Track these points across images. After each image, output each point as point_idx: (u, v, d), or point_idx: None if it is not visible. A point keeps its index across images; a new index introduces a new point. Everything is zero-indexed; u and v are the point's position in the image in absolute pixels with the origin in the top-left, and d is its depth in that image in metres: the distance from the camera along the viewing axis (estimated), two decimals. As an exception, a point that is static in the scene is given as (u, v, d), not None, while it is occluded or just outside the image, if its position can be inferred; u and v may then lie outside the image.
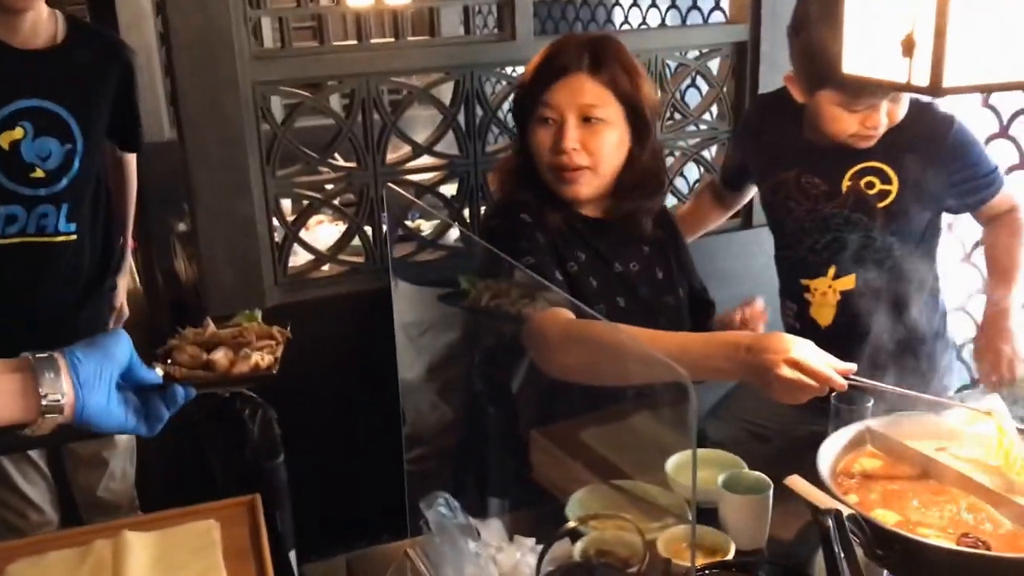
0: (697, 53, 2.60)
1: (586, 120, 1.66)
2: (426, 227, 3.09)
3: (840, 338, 1.89)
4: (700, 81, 2.91)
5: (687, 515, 1.49)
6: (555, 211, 1.70)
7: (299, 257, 2.42)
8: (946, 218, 2.04)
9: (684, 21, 3.66)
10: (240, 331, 1.23)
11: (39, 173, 2.06)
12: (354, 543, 2.17)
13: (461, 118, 2.34)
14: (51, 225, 2.10)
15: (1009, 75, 1.01)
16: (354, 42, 2.20)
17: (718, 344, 1.39)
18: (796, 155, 1.95)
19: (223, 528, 1.29)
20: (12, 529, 2.26)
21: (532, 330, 1.52)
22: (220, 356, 1.16)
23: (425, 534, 1.40)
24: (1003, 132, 2.51)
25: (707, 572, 1.26)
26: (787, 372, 1.31)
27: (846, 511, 1.15)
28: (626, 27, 4.12)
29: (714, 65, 2.66)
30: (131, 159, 2.47)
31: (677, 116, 2.64)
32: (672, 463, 1.60)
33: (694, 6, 3.56)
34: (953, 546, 1.18)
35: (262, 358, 1.16)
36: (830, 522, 1.04)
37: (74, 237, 2.17)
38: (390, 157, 2.33)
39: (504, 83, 2.49)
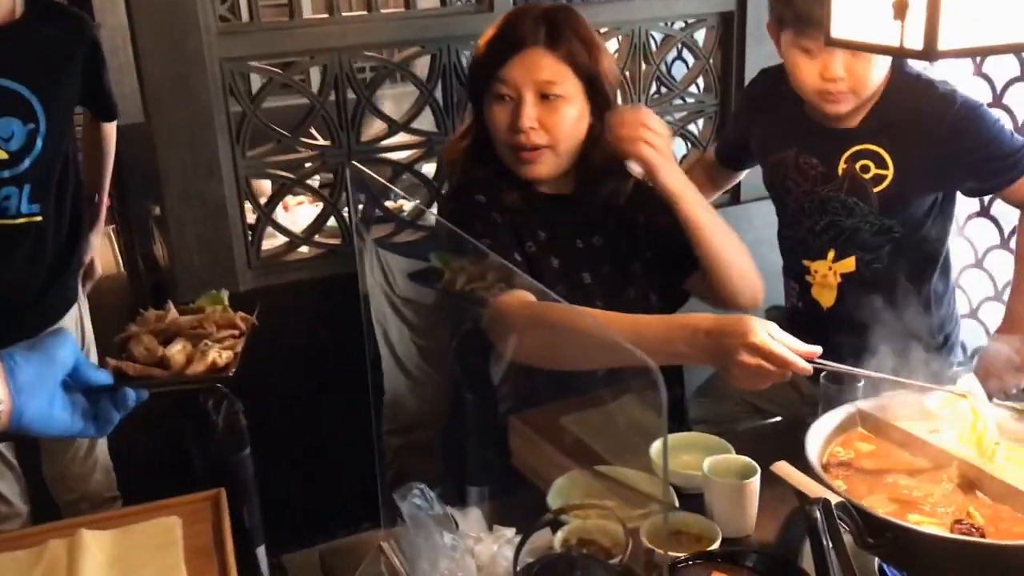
0: (683, 24, 2.53)
1: (544, 97, 1.60)
2: (408, 206, 3.04)
3: (842, 320, 1.87)
4: (687, 54, 2.85)
5: (674, 501, 1.46)
6: (513, 190, 1.65)
7: (277, 239, 2.35)
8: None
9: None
10: (200, 320, 1.17)
11: (1, 155, 2.00)
12: (335, 532, 2.13)
13: (439, 94, 2.27)
14: (13, 207, 2.05)
15: (1005, 38, 0.95)
16: (325, 15, 2.12)
17: (678, 327, 1.33)
18: (796, 133, 1.90)
19: (186, 525, 1.23)
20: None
21: (492, 314, 1.47)
22: (176, 351, 1.10)
23: (400, 526, 1.36)
24: (997, 101, 2.46)
25: (691, 563, 1.22)
26: (747, 357, 1.25)
27: (835, 499, 1.10)
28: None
29: (701, 37, 2.60)
30: (109, 127, 2.45)
31: (663, 90, 2.58)
32: (656, 447, 1.55)
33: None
34: (946, 533, 1.14)
35: (220, 355, 1.10)
36: (817, 513, 0.99)
37: (39, 219, 2.12)
38: (366, 134, 2.27)
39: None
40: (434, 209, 2.43)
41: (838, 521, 1.08)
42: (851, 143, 1.83)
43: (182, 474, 1.41)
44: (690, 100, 2.61)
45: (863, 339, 1.76)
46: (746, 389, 1.32)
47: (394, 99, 3.44)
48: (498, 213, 1.62)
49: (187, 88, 1.97)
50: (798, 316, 1.99)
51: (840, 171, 1.84)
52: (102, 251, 2.67)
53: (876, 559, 1.22)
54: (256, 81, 2.35)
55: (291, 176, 2.20)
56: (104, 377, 1.05)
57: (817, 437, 1.34)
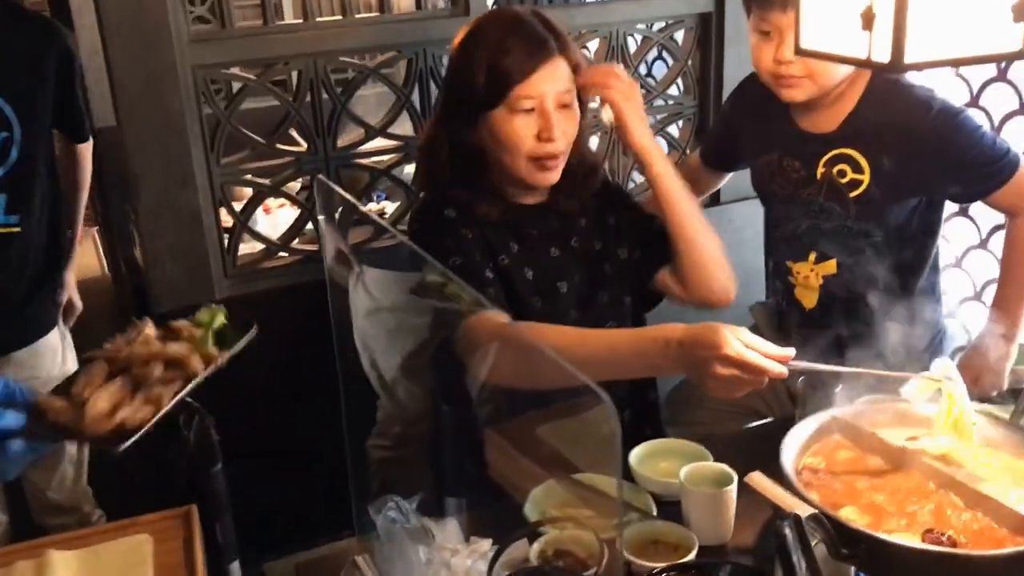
0: (662, 25, 2.52)
1: (562, 106, 1.59)
2: (391, 208, 3.03)
3: (824, 321, 1.88)
4: (668, 55, 2.84)
5: (652, 509, 1.45)
6: (488, 202, 1.64)
7: (254, 245, 2.33)
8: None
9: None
10: (157, 353, 1.09)
11: None
12: (315, 540, 2.12)
13: (416, 98, 2.26)
14: None
15: (972, 49, 0.95)
16: (300, 21, 2.10)
17: (650, 341, 1.33)
18: (781, 137, 1.91)
19: (157, 542, 1.22)
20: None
21: (462, 336, 1.47)
22: (101, 400, 1.02)
23: (375, 539, 1.35)
24: (973, 102, 2.46)
25: (665, 575, 1.21)
26: (721, 368, 1.24)
27: (808, 510, 1.10)
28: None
29: (680, 38, 2.59)
30: (83, 149, 2.39)
31: (643, 92, 2.57)
32: (635, 455, 1.55)
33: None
34: (918, 544, 1.13)
35: (139, 409, 1.04)
36: (787, 530, 0.98)
37: (16, 229, 2.09)
38: (344, 138, 2.25)
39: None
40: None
41: (812, 533, 1.08)
42: (829, 147, 1.83)
43: (161, 489, 1.40)
44: (670, 102, 2.60)
45: (845, 341, 1.77)
46: (722, 398, 1.31)
47: (376, 98, 3.42)
48: (468, 228, 1.60)
49: (159, 95, 1.95)
50: (784, 315, 2.01)
51: (819, 175, 1.85)
52: (86, 251, 2.63)
53: (852, 569, 1.22)
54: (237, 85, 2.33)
55: (266, 183, 2.18)
56: (12, 422, 0.96)
57: (792, 445, 1.34)
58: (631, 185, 2.59)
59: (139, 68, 1.92)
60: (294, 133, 2.27)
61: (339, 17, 2.17)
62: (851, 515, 1.22)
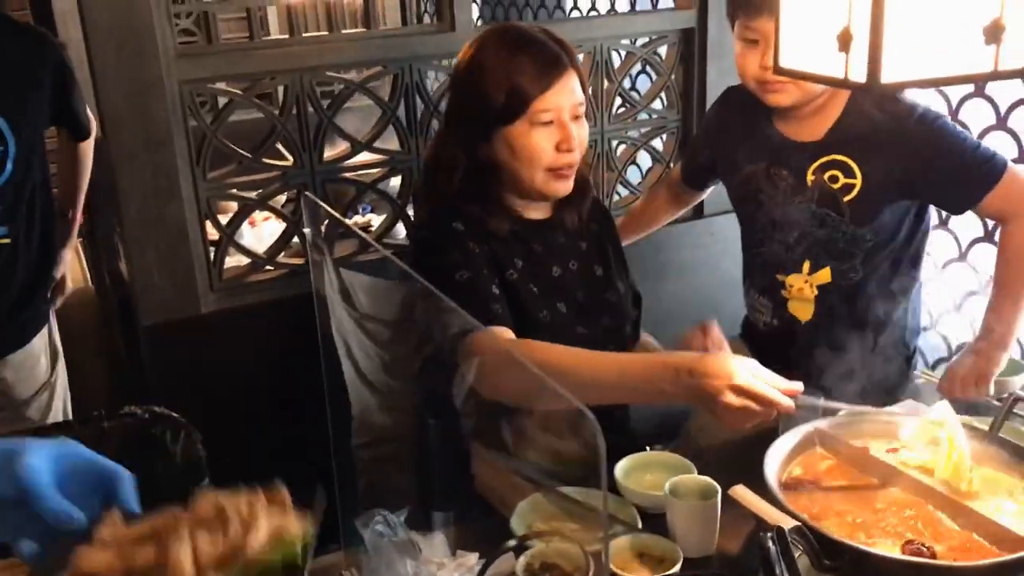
0: (646, 40, 2.55)
1: (575, 117, 1.64)
2: (377, 221, 3.03)
3: (819, 334, 1.88)
4: (651, 69, 2.86)
5: (637, 522, 1.46)
6: (502, 218, 1.66)
7: (240, 259, 2.33)
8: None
9: (633, 7, 3.61)
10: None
11: None
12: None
13: (402, 113, 2.27)
14: None
15: (947, 70, 0.97)
16: (286, 36, 2.11)
17: (661, 367, 1.34)
18: (766, 147, 1.92)
19: (144, 559, 1.22)
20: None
21: (465, 351, 1.48)
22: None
23: (362, 552, 1.35)
24: (952, 116, 2.49)
25: (651, 588, 1.22)
26: (731, 398, 1.26)
27: (791, 523, 1.12)
28: (575, 13, 4.06)
29: (664, 53, 2.62)
30: (85, 145, 2.46)
31: (626, 106, 2.59)
32: (621, 468, 1.56)
33: (642, -9, 3.52)
34: (899, 555, 1.15)
35: None
36: (770, 544, 0.99)
37: (7, 240, 2.10)
38: (331, 152, 2.26)
39: (445, 76, 2.42)
40: (399, 228, 2.43)
41: (795, 545, 1.09)
42: (819, 154, 1.84)
43: (149, 506, 1.40)
44: (653, 116, 2.62)
45: (839, 353, 1.79)
46: (731, 428, 1.32)
47: (363, 110, 3.43)
48: (476, 243, 1.61)
49: (145, 110, 1.95)
50: (772, 334, 1.98)
51: (809, 182, 1.85)
52: (71, 265, 2.65)
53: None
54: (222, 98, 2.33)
55: (252, 197, 2.18)
56: (69, 513, 0.80)
57: (775, 458, 1.36)
58: (615, 198, 2.61)
59: (125, 82, 1.92)
60: (280, 147, 2.27)
61: (325, 32, 2.19)
62: (833, 527, 1.23)
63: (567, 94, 1.60)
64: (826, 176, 1.84)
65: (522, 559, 1.30)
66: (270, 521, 0.90)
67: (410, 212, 2.34)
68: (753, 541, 1.43)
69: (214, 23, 2.02)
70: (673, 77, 2.58)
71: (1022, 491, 1.30)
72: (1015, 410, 1.43)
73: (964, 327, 2.57)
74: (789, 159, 1.88)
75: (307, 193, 1.36)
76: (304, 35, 2.14)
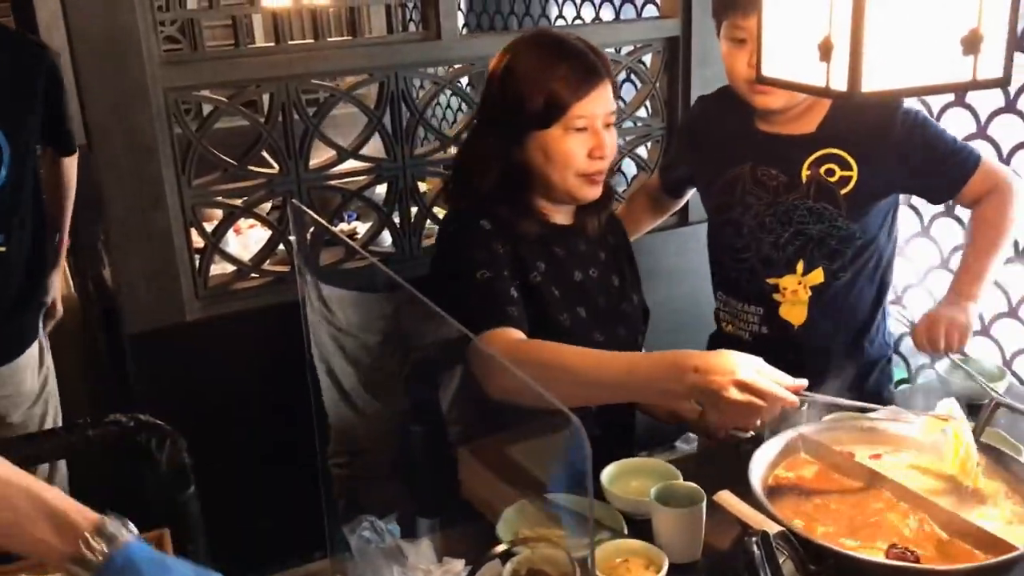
0: (631, 48, 2.56)
1: (606, 125, 1.67)
2: (362, 228, 3.03)
3: (813, 336, 1.88)
4: (636, 77, 2.88)
5: (623, 528, 1.47)
6: (531, 220, 1.69)
7: (225, 267, 2.33)
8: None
9: (618, 16, 3.63)
10: None
11: None
12: (288, 561, 2.11)
13: (387, 120, 2.27)
14: None
15: (927, 79, 0.98)
16: (271, 44, 2.11)
17: (667, 366, 1.35)
18: (749, 148, 1.91)
19: (129, 567, 1.21)
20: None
21: (474, 349, 1.49)
22: None
23: (348, 559, 1.35)
24: (933, 124, 2.52)
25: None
26: (736, 394, 1.28)
27: (776, 528, 1.13)
28: (560, 22, 4.07)
29: (648, 61, 2.63)
30: (69, 162, 2.43)
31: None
32: (607, 474, 1.57)
33: (627, 0, 3.53)
34: (883, 560, 1.16)
35: None
36: (755, 548, 1.00)
37: (2, 249, 2.09)
38: (317, 159, 2.26)
39: (431, 84, 2.43)
40: (385, 235, 2.43)
41: (780, 550, 1.10)
42: (814, 148, 1.85)
43: (136, 513, 1.40)
44: (638, 123, 2.64)
45: (831, 355, 1.80)
46: (736, 425, 1.33)
47: (350, 117, 3.43)
48: (501, 243, 1.63)
49: (130, 117, 1.95)
50: (762, 343, 1.93)
51: (804, 177, 1.85)
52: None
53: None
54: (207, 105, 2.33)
55: (238, 205, 2.18)
56: None
57: (760, 463, 1.37)
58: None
59: (110, 89, 1.92)
60: (266, 155, 2.27)
61: (311, 40, 2.19)
62: (818, 532, 1.24)
63: (602, 103, 1.64)
64: (822, 170, 1.84)
65: (508, 565, 1.31)
66: None
67: (395, 219, 2.34)
68: (739, 546, 1.44)
69: (199, 31, 2.02)
70: (658, 85, 2.59)
71: (1003, 496, 1.31)
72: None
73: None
74: (779, 156, 1.87)
75: (293, 200, 1.36)
76: (290, 43, 2.14)
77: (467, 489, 1.62)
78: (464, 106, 2.65)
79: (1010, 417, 1.55)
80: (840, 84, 0.98)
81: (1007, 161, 2.28)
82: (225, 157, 2.13)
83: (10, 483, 0.88)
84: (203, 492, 1.43)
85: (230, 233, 3.04)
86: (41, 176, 2.28)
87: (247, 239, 3.20)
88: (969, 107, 2.36)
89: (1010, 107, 2.26)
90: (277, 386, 2.02)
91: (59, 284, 2.47)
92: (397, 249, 2.37)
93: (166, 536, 1.25)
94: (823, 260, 1.87)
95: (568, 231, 1.76)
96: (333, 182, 2.28)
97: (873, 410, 1.52)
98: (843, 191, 1.83)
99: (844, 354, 1.89)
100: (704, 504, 1.40)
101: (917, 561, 1.16)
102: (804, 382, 1.33)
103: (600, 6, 3.75)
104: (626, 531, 1.46)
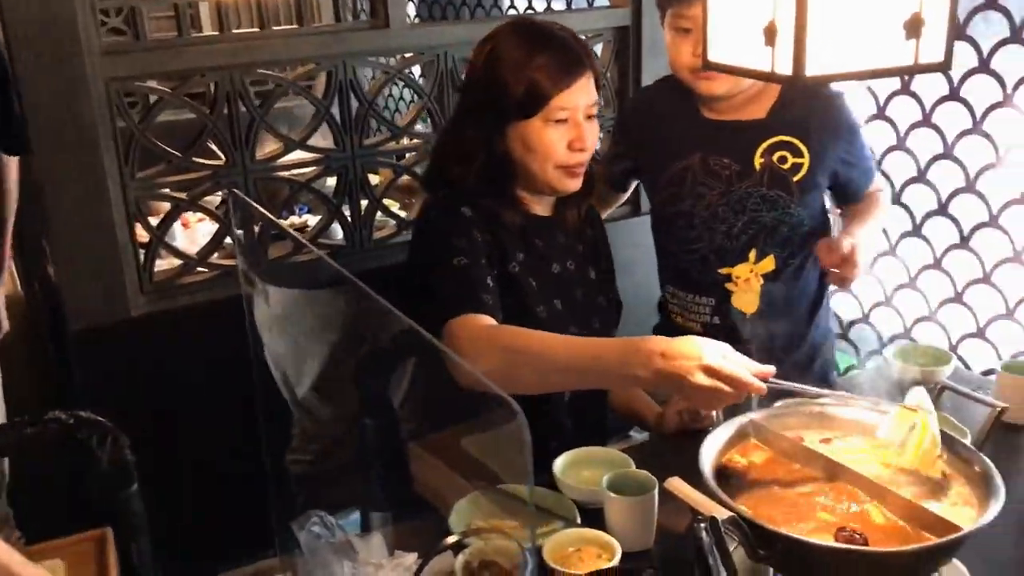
0: (582, 38, 2.55)
1: (588, 117, 1.66)
2: (314, 221, 2.99)
3: (764, 324, 1.89)
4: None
5: (576, 517, 1.46)
6: (514, 210, 1.69)
7: (172, 261, 2.28)
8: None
9: (569, 6, 3.62)
10: None
11: None
12: (239, 559, 2.08)
13: (336, 110, 2.24)
14: None
15: (871, 63, 0.98)
16: (216, 32, 2.07)
17: (634, 351, 1.34)
18: (698, 137, 1.90)
19: (70, 567, 1.19)
20: None
21: (444, 336, 1.48)
22: None
23: (298, 555, 1.33)
24: (880, 114, 2.55)
25: (587, 583, 1.22)
26: (702, 379, 1.28)
27: (725, 514, 1.12)
28: (512, 12, 4.06)
29: (599, 51, 2.63)
30: (12, 163, 2.34)
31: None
32: (559, 464, 1.56)
33: (579, -11, 3.53)
34: (831, 543, 1.17)
35: None
36: (703, 534, 1.00)
37: None
38: (265, 150, 2.23)
39: (380, 73, 2.40)
40: (336, 228, 2.41)
41: (729, 535, 1.10)
42: (766, 135, 1.85)
43: (82, 512, 1.37)
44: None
45: (779, 341, 1.81)
46: (702, 409, 1.33)
47: (301, 108, 3.38)
48: (481, 231, 1.62)
49: (71, 110, 1.90)
50: (712, 333, 1.89)
51: (757, 165, 1.85)
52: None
53: (771, 570, 1.25)
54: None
55: (183, 197, 2.14)
56: None
57: (711, 450, 1.36)
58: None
59: (49, 81, 1.87)
60: (213, 146, 2.23)
61: (256, 29, 2.15)
62: (767, 517, 1.24)
63: (584, 94, 1.63)
64: (775, 157, 1.85)
65: (460, 557, 1.30)
66: None
67: (346, 211, 2.32)
68: (690, 533, 1.44)
69: (142, 20, 1.97)
70: (608, 75, 2.59)
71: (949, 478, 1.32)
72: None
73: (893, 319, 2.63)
74: (730, 144, 1.87)
75: (235, 191, 1.33)
76: (235, 31, 2.10)
77: (420, 483, 1.61)
78: (415, 96, 2.63)
79: (955, 400, 1.57)
80: (785, 68, 0.99)
81: (952, 148, 2.32)
82: (170, 149, 2.09)
83: None
84: (149, 490, 1.40)
85: (178, 227, 2.99)
86: None
87: (195, 233, 3.16)
88: (915, 95, 2.39)
89: (954, 95, 2.29)
90: (225, 381, 1.98)
91: (2, 297, 2.39)
92: (348, 242, 2.35)
93: (108, 535, 1.23)
94: (775, 248, 1.88)
95: (548, 222, 1.76)
96: (281, 173, 2.24)
97: (840, 397, 1.51)
98: (795, 178, 1.85)
99: (791, 340, 1.91)
100: (656, 492, 1.40)
101: (866, 544, 1.17)
102: (772, 368, 1.34)
103: (551, -4, 3.75)
104: (579, 520, 1.46)
